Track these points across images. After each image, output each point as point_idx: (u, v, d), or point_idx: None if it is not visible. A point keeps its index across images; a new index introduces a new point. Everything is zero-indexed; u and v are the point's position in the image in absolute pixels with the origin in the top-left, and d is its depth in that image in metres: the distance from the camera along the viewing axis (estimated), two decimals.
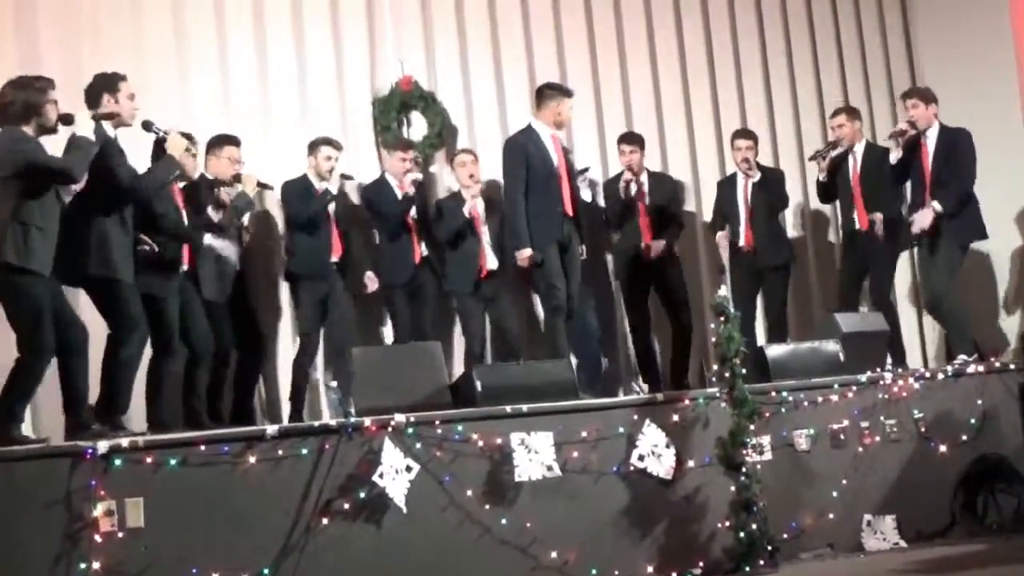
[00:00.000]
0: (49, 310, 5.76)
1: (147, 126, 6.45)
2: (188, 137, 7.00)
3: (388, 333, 8.32)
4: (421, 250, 8.19)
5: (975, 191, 7.98)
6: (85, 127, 5.91)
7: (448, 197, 8.53)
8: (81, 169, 5.88)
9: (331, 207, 7.88)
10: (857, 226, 8.53)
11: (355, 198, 8.40)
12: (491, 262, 8.23)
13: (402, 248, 8.15)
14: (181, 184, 7.02)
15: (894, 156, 8.19)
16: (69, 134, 5.92)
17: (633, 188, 8.59)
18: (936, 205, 7.88)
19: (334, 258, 7.88)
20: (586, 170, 8.25)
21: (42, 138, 5.90)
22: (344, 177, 7.93)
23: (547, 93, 7.62)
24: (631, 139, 8.85)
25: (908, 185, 8.37)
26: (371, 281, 8.07)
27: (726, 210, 8.96)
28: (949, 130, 8.11)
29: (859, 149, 8.65)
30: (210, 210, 7.26)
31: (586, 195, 8.47)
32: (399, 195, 8.14)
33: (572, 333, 7.49)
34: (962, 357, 7.65)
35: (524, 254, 7.35)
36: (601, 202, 9.05)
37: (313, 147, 7.95)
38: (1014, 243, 9.53)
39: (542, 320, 7.96)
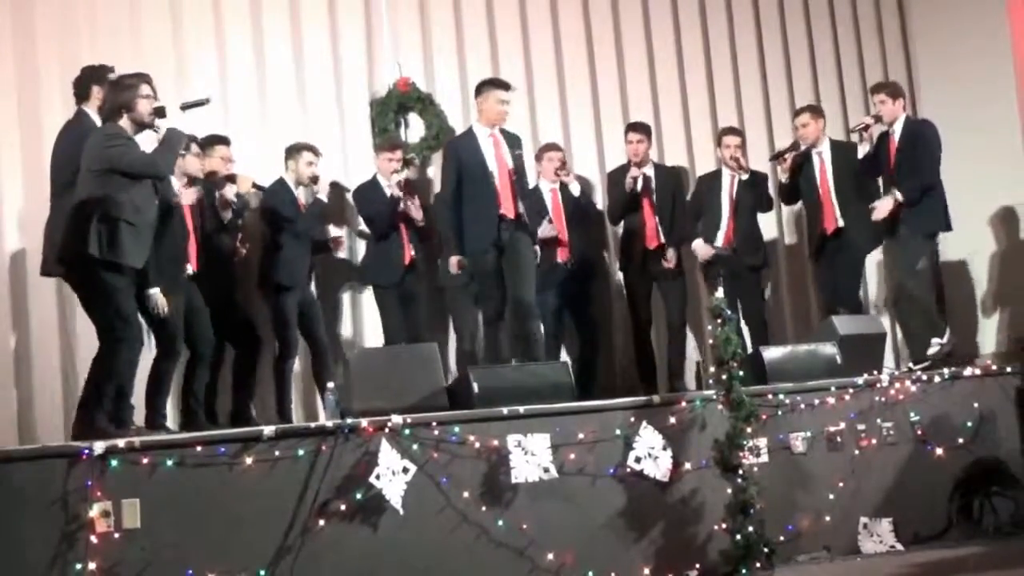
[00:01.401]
0: (132, 302, 5.97)
1: (184, 107, 6.47)
2: (192, 138, 7.04)
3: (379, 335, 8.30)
4: (411, 251, 8.18)
5: (943, 183, 7.98)
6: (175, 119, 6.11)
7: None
8: (169, 164, 6.11)
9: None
10: (826, 228, 8.48)
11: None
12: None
13: (392, 249, 8.14)
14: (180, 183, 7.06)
15: (862, 150, 8.19)
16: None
17: (640, 183, 8.56)
18: (897, 194, 7.89)
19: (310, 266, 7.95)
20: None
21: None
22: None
23: (480, 89, 7.50)
24: (639, 128, 8.80)
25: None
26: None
27: (705, 206, 8.80)
28: (914, 122, 8.18)
29: (824, 148, 8.58)
30: (220, 211, 7.28)
31: (574, 189, 8.45)
32: (388, 196, 8.14)
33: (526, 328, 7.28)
34: (936, 342, 7.64)
35: (452, 261, 7.45)
36: (599, 200, 9.06)
37: (292, 152, 7.92)
38: (1007, 243, 9.56)
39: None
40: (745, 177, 8.69)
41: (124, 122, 5.98)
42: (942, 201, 8.00)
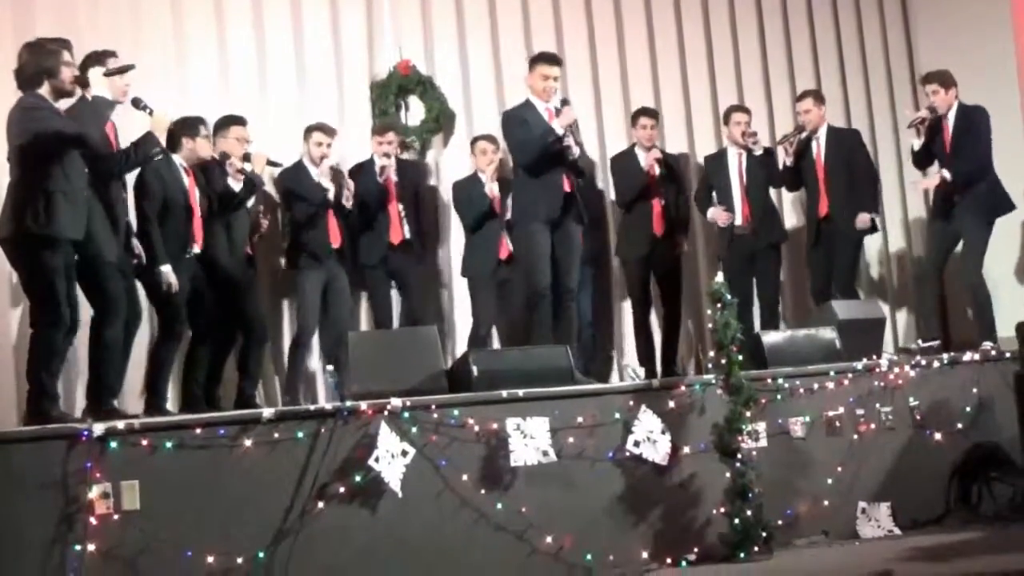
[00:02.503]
0: (67, 284, 5.84)
1: (136, 103, 6.40)
2: (201, 121, 7.05)
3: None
4: (404, 233, 8.19)
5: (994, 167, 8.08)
6: (100, 88, 5.95)
7: (464, 180, 8.53)
8: (95, 132, 5.92)
9: (330, 195, 7.89)
10: (820, 213, 8.56)
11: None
12: (511, 244, 8.18)
13: (377, 229, 8.16)
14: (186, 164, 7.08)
15: (916, 143, 8.23)
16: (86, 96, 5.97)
17: (657, 169, 8.54)
18: (945, 172, 7.97)
19: (335, 245, 7.91)
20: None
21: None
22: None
23: (529, 64, 7.50)
24: (651, 113, 8.84)
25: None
26: None
27: (716, 187, 8.85)
28: (966, 108, 8.19)
29: (822, 134, 8.66)
30: (231, 182, 7.27)
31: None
32: (379, 179, 8.15)
33: (566, 316, 7.31)
34: (988, 345, 7.68)
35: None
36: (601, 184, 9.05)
37: (306, 133, 7.99)
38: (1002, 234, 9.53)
39: None
40: (759, 152, 8.71)
41: (44, 89, 5.84)
42: (998, 182, 8.09)
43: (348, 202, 7.93)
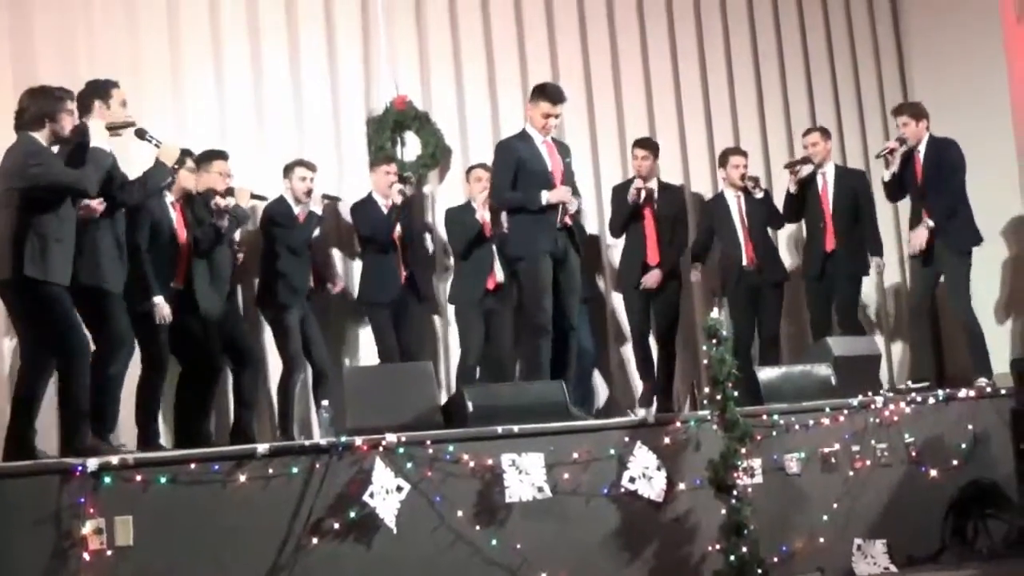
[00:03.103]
0: (73, 314, 5.85)
1: (141, 134, 6.45)
2: (188, 153, 7.04)
3: (372, 352, 8.31)
4: (404, 270, 8.19)
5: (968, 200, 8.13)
6: (99, 138, 5.98)
7: (457, 208, 8.53)
8: (95, 183, 5.93)
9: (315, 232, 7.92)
10: (827, 248, 8.60)
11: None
12: (500, 275, 8.22)
13: (388, 266, 8.15)
14: (173, 198, 7.08)
15: (887, 173, 8.30)
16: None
17: (643, 194, 8.57)
18: (929, 222, 8.01)
19: (310, 284, 7.95)
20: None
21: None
22: (328, 198, 7.90)
23: (531, 95, 7.29)
24: (646, 144, 8.88)
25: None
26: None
27: (718, 230, 8.92)
28: (938, 141, 8.26)
29: (829, 170, 8.75)
30: (216, 219, 7.27)
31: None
32: (385, 213, 8.15)
33: (565, 349, 7.17)
34: (983, 382, 7.70)
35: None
36: (595, 218, 9.07)
37: (287, 170, 7.98)
38: (1000, 257, 9.59)
39: None
40: (760, 195, 8.78)
41: (43, 133, 5.87)
42: (971, 216, 8.15)
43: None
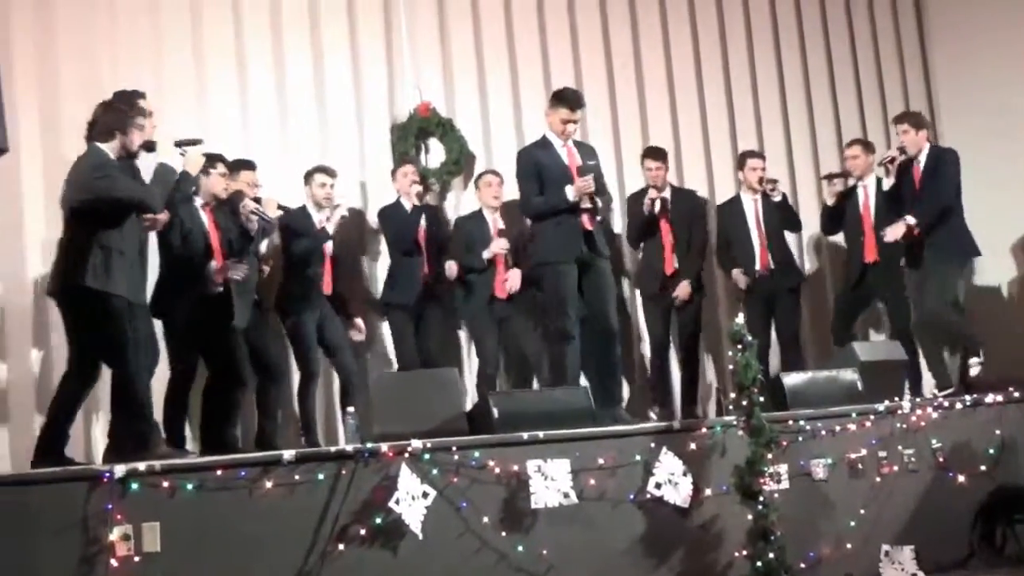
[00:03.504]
0: (134, 328, 5.91)
1: (185, 143, 6.46)
2: (219, 158, 7.06)
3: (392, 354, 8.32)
4: (429, 273, 8.18)
5: (963, 208, 8.02)
6: (167, 154, 6.10)
7: (467, 216, 8.54)
8: (160, 199, 6.02)
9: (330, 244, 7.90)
10: (867, 259, 8.52)
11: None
12: (513, 281, 8.21)
13: (411, 269, 8.14)
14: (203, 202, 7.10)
15: (887, 183, 8.22)
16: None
17: (658, 205, 8.54)
18: (909, 219, 7.91)
19: (327, 291, 7.90)
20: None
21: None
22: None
23: (551, 100, 7.40)
24: (656, 154, 8.83)
25: None
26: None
27: (732, 234, 8.88)
28: (937, 150, 8.22)
29: (870, 183, 8.63)
30: (246, 223, 7.27)
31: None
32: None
33: (609, 352, 7.19)
34: (975, 361, 7.64)
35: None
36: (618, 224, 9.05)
37: (307, 176, 7.96)
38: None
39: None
40: (778, 198, 8.72)
41: (111, 145, 5.94)
42: (964, 226, 8.01)
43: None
